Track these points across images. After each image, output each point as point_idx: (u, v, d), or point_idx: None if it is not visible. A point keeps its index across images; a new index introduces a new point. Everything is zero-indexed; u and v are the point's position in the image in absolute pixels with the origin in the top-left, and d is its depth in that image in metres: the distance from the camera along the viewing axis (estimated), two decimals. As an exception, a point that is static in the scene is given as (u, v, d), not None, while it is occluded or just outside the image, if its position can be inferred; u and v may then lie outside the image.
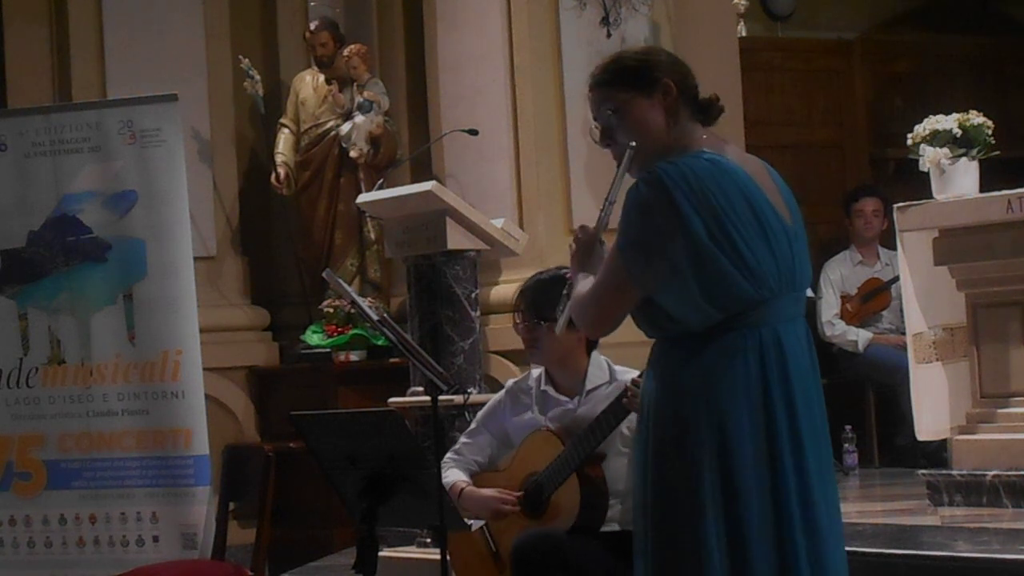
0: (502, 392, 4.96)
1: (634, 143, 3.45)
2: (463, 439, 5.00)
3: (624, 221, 3.38)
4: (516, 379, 4.97)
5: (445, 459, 4.88)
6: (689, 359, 3.36)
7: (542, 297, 4.66)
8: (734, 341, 3.35)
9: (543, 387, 4.79)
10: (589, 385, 4.72)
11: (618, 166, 3.49)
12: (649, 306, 3.40)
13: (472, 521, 4.68)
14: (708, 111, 3.53)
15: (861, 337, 8.24)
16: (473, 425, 5.01)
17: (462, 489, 4.77)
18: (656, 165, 3.36)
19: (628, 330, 3.54)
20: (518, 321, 4.80)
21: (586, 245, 3.56)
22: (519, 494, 4.71)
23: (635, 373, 4.42)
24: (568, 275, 3.60)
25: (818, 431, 3.42)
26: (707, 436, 3.32)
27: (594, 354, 4.76)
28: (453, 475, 4.83)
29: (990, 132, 6.32)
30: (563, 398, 4.76)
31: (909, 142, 6.45)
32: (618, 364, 4.75)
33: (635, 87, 3.48)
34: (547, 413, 4.75)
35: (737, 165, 3.41)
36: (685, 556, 3.32)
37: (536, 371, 4.86)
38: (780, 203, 3.44)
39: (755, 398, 3.34)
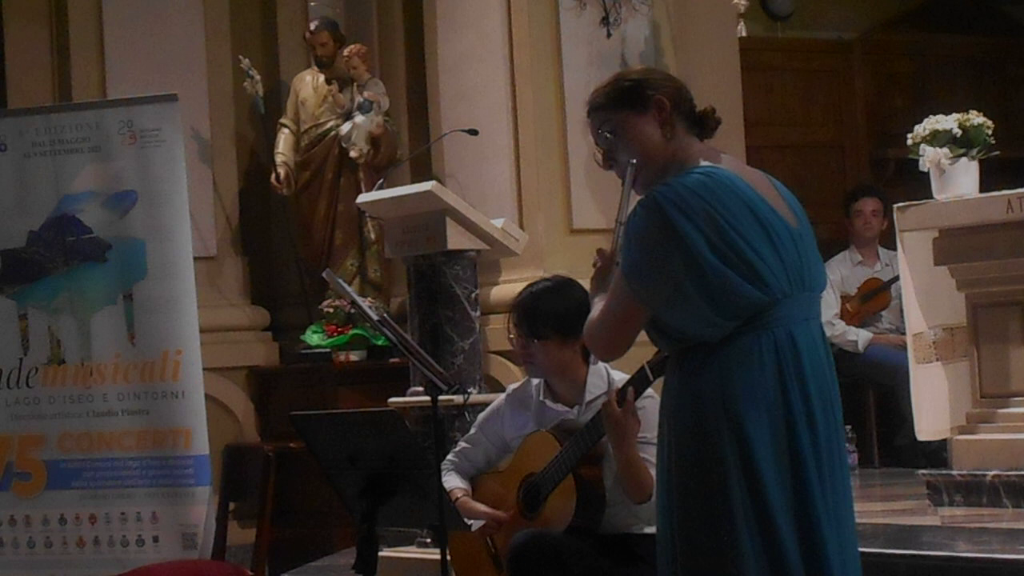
0: (502, 398, 4.94)
1: (635, 160, 3.49)
2: (462, 443, 4.99)
3: (626, 247, 3.41)
4: (516, 385, 4.94)
5: (444, 463, 4.87)
6: (704, 365, 3.37)
7: (533, 312, 4.65)
8: (748, 344, 3.36)
9: (542, 398, 4.76)
10: (589, 396, 4.68)
11: (623, 185, 3.52)
12: (661, 323, 3.42)
13: (472, 521, 4.68)
14: (704, 124, 3.55)
15: (861, 337, 8.23)
16: (472, 430, 5.00)
17: (456, 499, 4.75)
18: (651, 190, 3.39)
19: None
20: (512, 336, 4.79)
21: (603, 269, 3.60)
22: (509, 514, 4.71)
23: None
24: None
25: (837, 431, 3.50)
26: (728, 442, 3.33)
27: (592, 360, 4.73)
28: (451, 481, 4.82)
29: (990, 132, 6.31)
30: (562, 408, 4.73)
31: (909, 142, 6.44)
32: (617, 368, 4.72)
33: (629, 106, 3.51)
34: (545, 426, 4.72)
35: (734, 174, 3.42)
36: (722, 561, 3.33)
37: (536, 380, 4.83)
38: (783, 207, 3.45)
39: (773, 401, 3.36)
